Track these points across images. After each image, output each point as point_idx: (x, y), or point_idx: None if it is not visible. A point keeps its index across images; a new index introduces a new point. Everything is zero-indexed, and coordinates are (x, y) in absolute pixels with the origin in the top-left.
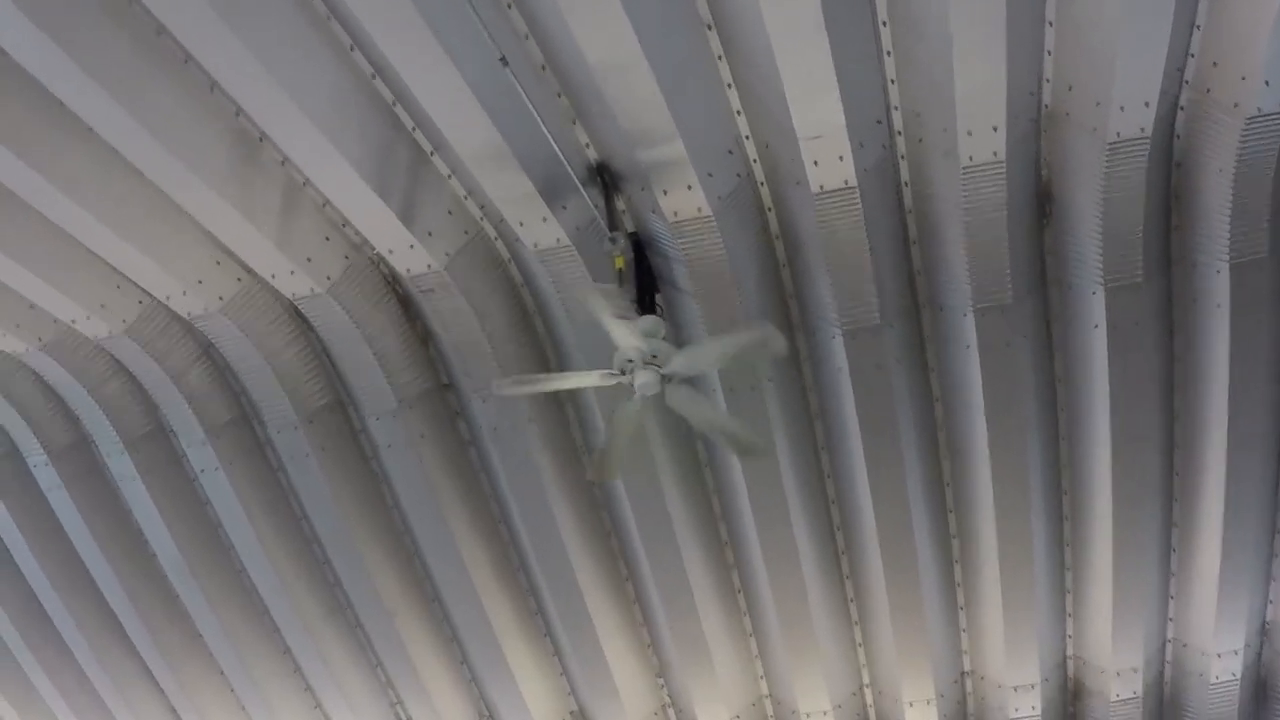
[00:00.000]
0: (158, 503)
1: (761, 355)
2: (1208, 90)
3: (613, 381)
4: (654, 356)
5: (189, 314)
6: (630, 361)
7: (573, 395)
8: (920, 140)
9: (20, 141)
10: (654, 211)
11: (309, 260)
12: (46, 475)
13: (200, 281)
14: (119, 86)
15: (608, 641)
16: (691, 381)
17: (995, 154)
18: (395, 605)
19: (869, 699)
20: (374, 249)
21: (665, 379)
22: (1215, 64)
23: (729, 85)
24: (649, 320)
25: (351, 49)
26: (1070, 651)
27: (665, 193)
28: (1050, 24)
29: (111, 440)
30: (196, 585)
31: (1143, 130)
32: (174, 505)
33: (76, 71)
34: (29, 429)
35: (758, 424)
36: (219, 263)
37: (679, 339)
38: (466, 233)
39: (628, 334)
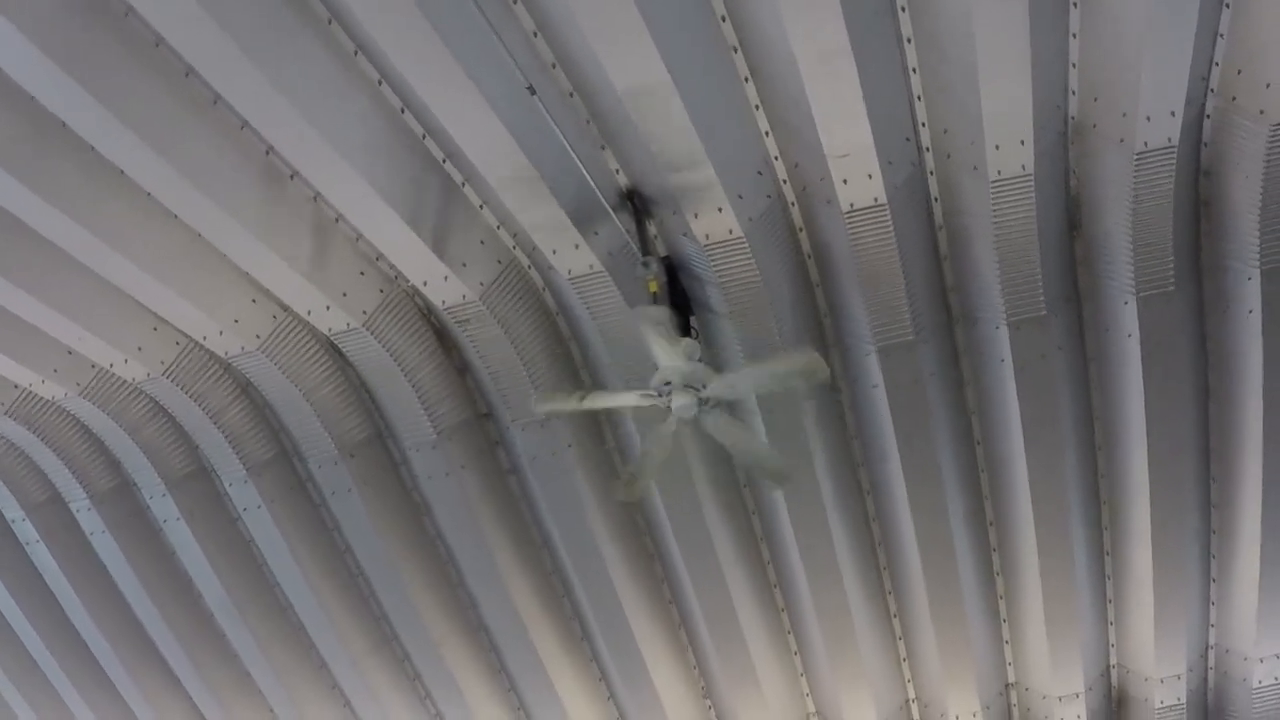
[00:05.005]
0: (201, 543)
1: (803, 382)
2: (1233, 98)
3: (649, 402)
4: (693, 380)
5: (226, 353)
6: (668, 384)
7: (611, 421)
8: (949, 156)
9: (53, 188)
10: (685, 235)
11: (344, 295)
12: (89, 520)
13: (236, 321)
14: (149, 129)
15: (654, 665)
16: (730, 404)
17: (1023, 167)
18: (441, 635)
19: (915, 713)
20: (408, 282)
21: (703, 402)
22: (1240, 71)
23: (756, 106)
24: (685, 343)
25: (380, 84)
26: (1113, 660)
27: (696, 216)
28: (1074, 36)
29: (153, 482)
30: (243, 624)
31: (1170, 140)
32: (218, 545)
33: (106, 115)
34: (71, 474)
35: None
36: (255, 301)
37: (714, 360)
38: (500, 262)
39: (673, 356)
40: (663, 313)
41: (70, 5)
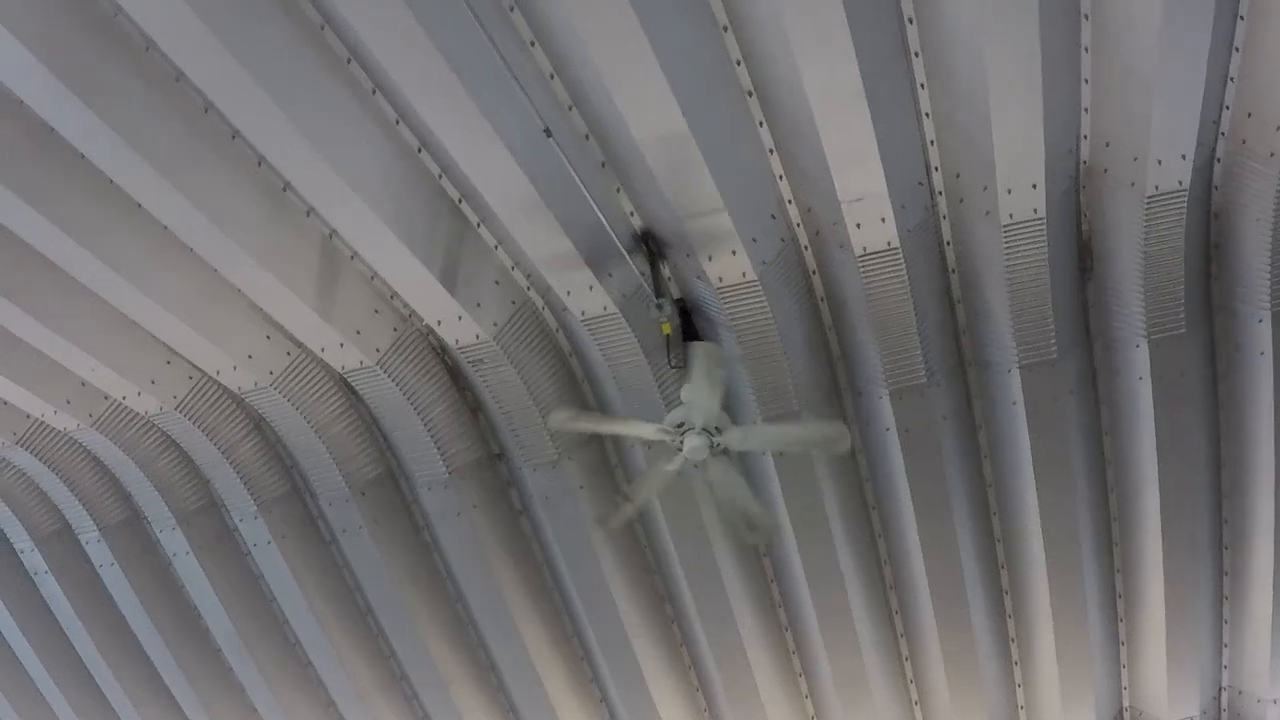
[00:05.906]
0: (211, 578)
1: (822, 450)
2: (1243, 141)
3: (663, 438)
4: (711, 424)
5: (239, 389)
6: (681, 425)
7: (623, 462)
8: (961, 200)
9: (71, 220)
10: (699, 277)
11: (358, 333)
12: (99, 552)
13: (250, 356)
14: (167, 163)
15: (664, 707)
16: (739, 455)
17: (1035, 211)
18: (450, 675)
19: None
20: (422, 320)
21: (714, 448)
22: (1250, 115)
23: (771, 150)
24: (718, 389)
25: (397, 123)
26: (1126, 702)
27: (710, 258)
28: (1086, 81)
29: (163, 516)
30: (251, 659)
31: (1180, 183)
32: (227, 580)
33: (124, 148)
34: (81, 506)
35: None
36: (269, 337)
37: (725, 404)
38: (514, 303)
39: (709, 398)
40: (718, 351)
41: (91, 38)
